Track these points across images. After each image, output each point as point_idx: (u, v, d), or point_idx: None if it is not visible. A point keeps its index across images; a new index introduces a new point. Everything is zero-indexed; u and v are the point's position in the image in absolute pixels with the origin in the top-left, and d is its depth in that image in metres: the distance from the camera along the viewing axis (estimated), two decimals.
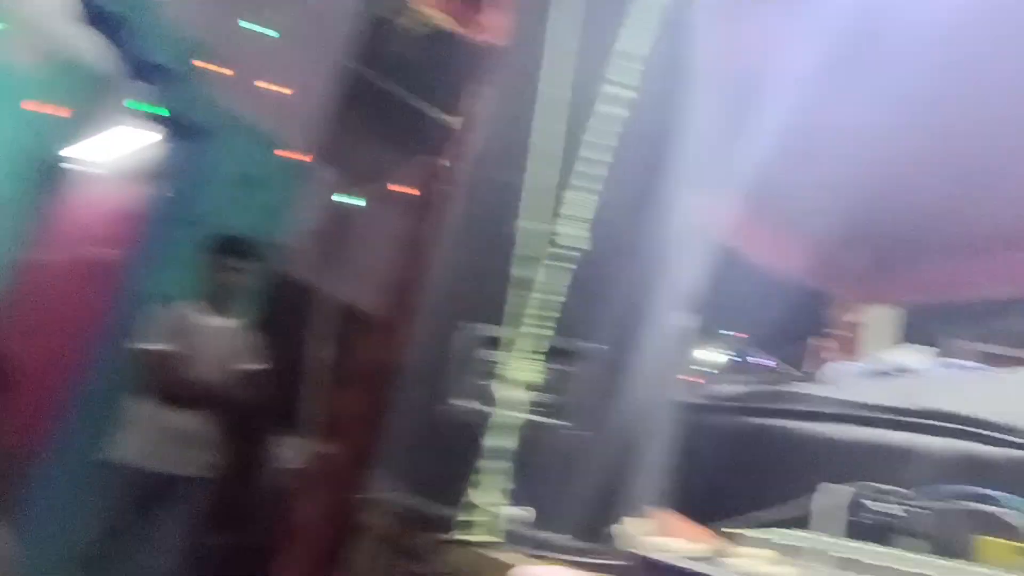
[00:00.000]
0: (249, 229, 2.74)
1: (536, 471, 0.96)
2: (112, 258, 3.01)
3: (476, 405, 1.01)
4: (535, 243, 1.07)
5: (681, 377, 1.40)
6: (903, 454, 0.90)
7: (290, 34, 2.73)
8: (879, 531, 0.84)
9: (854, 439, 0.97)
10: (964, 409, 0.91)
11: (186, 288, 2.62)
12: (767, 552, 0.78)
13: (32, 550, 2.39)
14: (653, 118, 1.09)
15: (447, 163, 1.52)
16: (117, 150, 3.31)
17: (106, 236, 3.11)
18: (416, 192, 1.70)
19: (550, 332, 1.01)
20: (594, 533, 0.94)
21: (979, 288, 2.54)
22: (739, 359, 2.73)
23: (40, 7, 2.84)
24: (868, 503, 0.84)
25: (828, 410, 1.02)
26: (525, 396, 0.99)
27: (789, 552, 0.77)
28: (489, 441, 0.98)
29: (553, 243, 1.05)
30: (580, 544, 0.91)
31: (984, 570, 0.73)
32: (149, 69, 2.83)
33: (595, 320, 1.01)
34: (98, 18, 2.74)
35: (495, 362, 1.02)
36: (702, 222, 1.18)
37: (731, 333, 2.81)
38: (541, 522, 0.94)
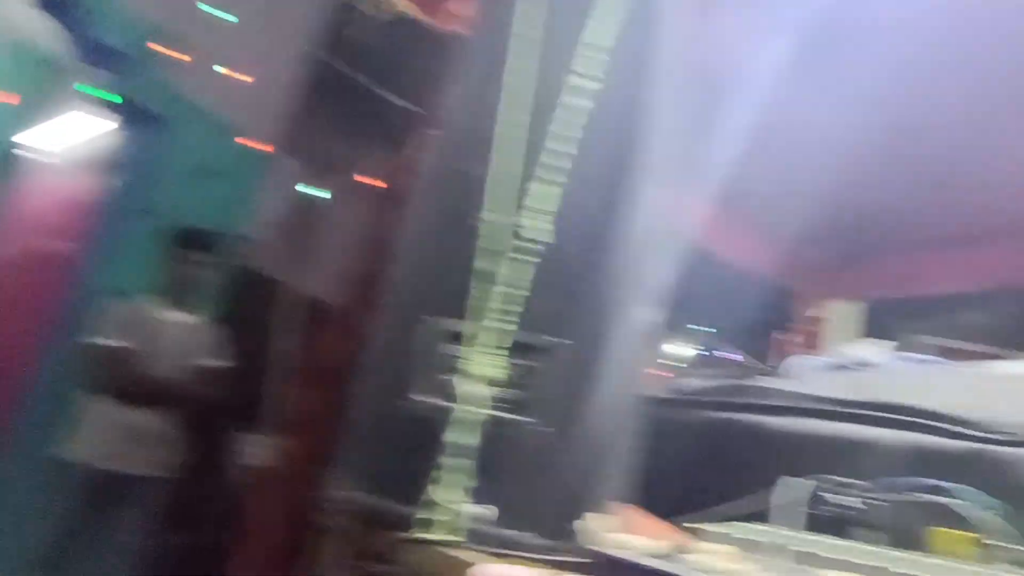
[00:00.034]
0: (208, 221, 2.67)
1: (499, 468, 0.95)
2: (65, 251, 2.92)
3: (438, 401, 1.00)
4: (499, 236, 1.05)
5: (649, 372, 1.40)
6: (861, 447, 0.91)
7: (250, 19, 2.65)
8: (837, 524, 0.85)
9: (814, 432, 0.98)
10: (920, 402, 0.92)
11: (142, 282, 2.56)
12: (727, 547, 0.78)
13: None
14: (619, 111, 1.08)
15: (411, 154, 1.49)
16: (70, 138, 3.19)
17: (58, 227, 3.00)
18: (380, 184, 1.67)
19: (514, 327, 0.99)
20: (557, 531, 0.92)
21: (938, 283, 2.61)
22: (706, 353, 2.76)
23: None
24: (826, 496, 0.85)
25: (788, 404, 1.03)
26: (488, 392, 0.98)
27: (749, 547, 0.77)
28: (451, 437, 0.96)
29: (517, 236, 1.03)
30: (543, 542, 0.90)
31: (937, 561, 0.74)
32: (103, 53, 2.73)
33: (560, 314, 1.00)
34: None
35: (457, 357, 1.00)
36: (669, 216, 1.17)
37: (699, 328, 2.84)
38: (504, 520, 0.92)
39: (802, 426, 0.99)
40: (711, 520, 0.92)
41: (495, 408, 0.96)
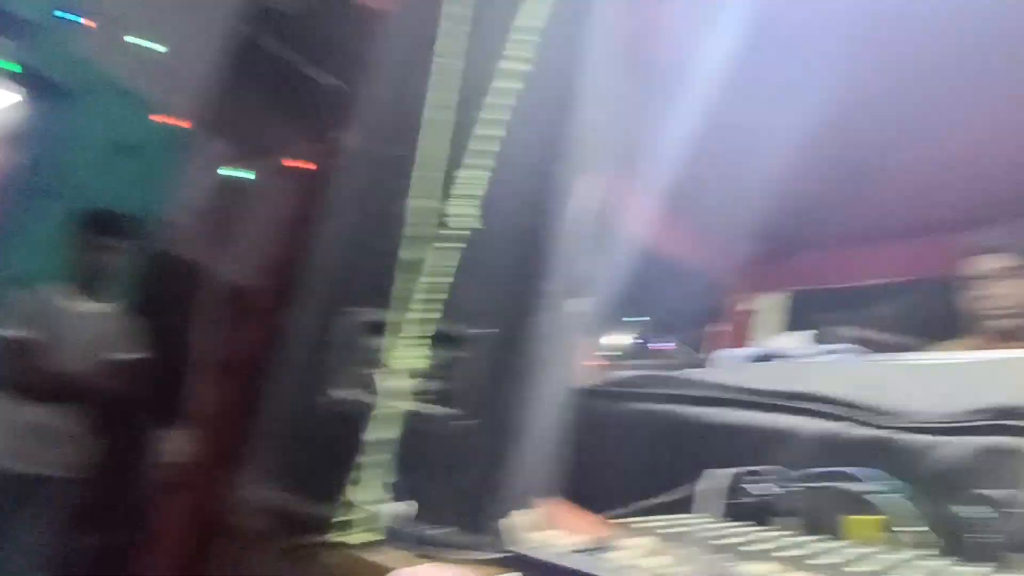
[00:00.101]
0: (121, 202, 2.50)
1: (420, 463, 0.92)
2: None
3: (357, 395, 0.96)
4: (424, 222, 1.01)
5: (582, 363, 1.39)
6: (780, 436, 0.93)
7: None
8: (757, 513, 0.86)
9: (736, 422, 0.99)
10: (834, 391, 0.94)
11: (49, 268, 2.40)
12: (649, 541, 0.78)
13: None
14: (551, 96, 1.05)
15: (336, 135, 1.43)
16: None
17: None
18: (304, 165, 1.59)
19: (438, 316, 0.96)
20: (481, 527, 0.90)
21: (858, 276, 2.75)
22: (640, 343, 2.81)
23: None
24: (746, 486, 0.85)
25: (710, 395, 1.04)
26: (410, 384, 0.95)
27: (671, 539, 0.77)
28: (371, 434, 0.92)
29: (443, 223, 1.00)
30: (464, 539, 0.87)
31: (849, 547, 0.76)
32: (5, 21, 2.52)
33: (486, 303, 0.97)
34: None
35: (379, 349, 0.97)
36: (601, 205, 1.16)
37: (634, 319, 2.88)
38: (425, 516, 0.89)
39: (724, 416, 1.01)
40: (638, 513, 0.92)
41: (417, 401, 0.93)
